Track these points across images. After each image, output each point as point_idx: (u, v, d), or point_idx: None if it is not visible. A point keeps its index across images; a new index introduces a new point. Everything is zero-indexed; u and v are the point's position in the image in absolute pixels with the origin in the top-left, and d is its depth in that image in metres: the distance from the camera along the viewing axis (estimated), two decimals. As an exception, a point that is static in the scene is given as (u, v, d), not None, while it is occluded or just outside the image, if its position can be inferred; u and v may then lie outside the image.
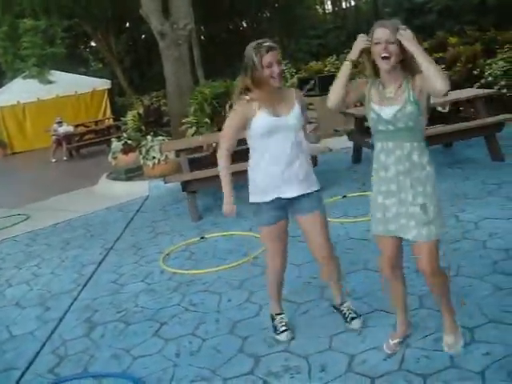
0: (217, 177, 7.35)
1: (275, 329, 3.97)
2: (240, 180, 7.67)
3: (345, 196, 7.20)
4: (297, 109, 3.61)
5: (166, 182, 7.70)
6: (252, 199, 3.74)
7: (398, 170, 3.20)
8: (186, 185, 7.32)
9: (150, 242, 6.71)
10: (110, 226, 7.78)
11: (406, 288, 3.65)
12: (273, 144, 3.56)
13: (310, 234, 3.77)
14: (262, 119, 3.52)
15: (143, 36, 25.04)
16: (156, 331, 4.37)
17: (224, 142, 3.69)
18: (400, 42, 3.01)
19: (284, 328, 3.94)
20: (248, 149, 3.76)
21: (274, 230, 3.74)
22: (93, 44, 29.95)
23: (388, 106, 3.17)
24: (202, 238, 6.49)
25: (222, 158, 3.69)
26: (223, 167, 3.71)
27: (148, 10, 11.64)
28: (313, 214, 3.70)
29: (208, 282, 5.16)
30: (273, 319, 4.03)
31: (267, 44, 3.49)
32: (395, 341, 3.62)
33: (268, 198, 3.65)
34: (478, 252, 4.87)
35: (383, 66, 3.10)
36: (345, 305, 4.03)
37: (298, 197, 3.66)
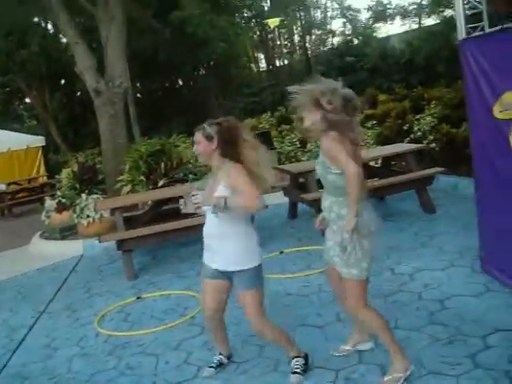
0: (152, 235, 7.32)
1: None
2: (178, 238, 7.63)
3: (282, 252, 7.21)
4: (219, 192, 3.69)
5: (100, 241, 7.52)
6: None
7: (330, 219, 3.73)
8: (121, 244, 7.19)
9: (84, 304, 6.51)
10: (43, 287, 7.51)
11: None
12: (206, 219, 3.89)
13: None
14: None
15: (78, 93, 24.87)
16: (90, 398, 4.22)
17: None
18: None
19: (212, 364, 4.27)
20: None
21: (205, 283, 3.99)
22: (27, 100, 29.55)
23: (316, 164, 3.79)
24: (139, 297, 6.35)
25: None
26: None
27: (83, 68, 11.63)
28: (238, 294, 3.88)
29: (145, 344, 5.03)
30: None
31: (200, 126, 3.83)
32: (347, 347, 4.18)
33: (207, 262, 3.97)
34: (415, 304, 4.96)
35: None
36: (296, 359, 4.07)
37: (227, 271, 3.84)
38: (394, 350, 3.72)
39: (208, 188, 3.82)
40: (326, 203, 3.75)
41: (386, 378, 3.69)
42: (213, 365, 4.27)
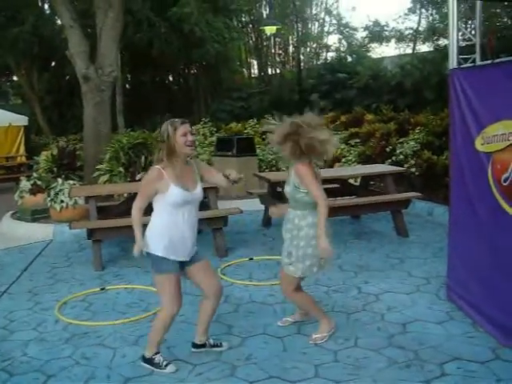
0: (124, 227, 7.25)
1: (159, 366, 4.21)
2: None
3: (251, 258, 7.21)
4: (199, 184, 4.15)
5: (71, 228, 7.45)
6: (159, 253, 4.01)
7: (286, 228, 4.53)
8: (91, 232, 7.13)
9: (47, 289, 6.43)
10: (8, 267, 7.41)
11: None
12: (181, 213, 4.02)
13: (205, 277, 4.26)
14: (176, 193, 3.94)
15: (67, 77, 24.64)
16: (41, 384, 4.15)
17: (139, 201, 4.08)
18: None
19: (167, 362, 4.23)
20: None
21: (175, 277, 4.07)
22: (15, 78, 29.22)
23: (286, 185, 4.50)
24: (103, 288, 6.30)
25: (136, 210, 4.07)
26: (136, 218, 4.07)
27: (74, 52, 11.56)
28: (203, 262, 4.28)
29: (103, 336, 4.98)
30: (152, 360, 4.24)
31: (180, 119, 4.03)
32: (289, 318, 5.01)
33: (174, 257, 4.04)
34: (376, 324, 4.98)
35: None
36: (210, 340, 4.54)
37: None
38: (321, 317, 4.69)
39: None
40: (290, 215, 4.49)
41: (314, 336, 4.59)
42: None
